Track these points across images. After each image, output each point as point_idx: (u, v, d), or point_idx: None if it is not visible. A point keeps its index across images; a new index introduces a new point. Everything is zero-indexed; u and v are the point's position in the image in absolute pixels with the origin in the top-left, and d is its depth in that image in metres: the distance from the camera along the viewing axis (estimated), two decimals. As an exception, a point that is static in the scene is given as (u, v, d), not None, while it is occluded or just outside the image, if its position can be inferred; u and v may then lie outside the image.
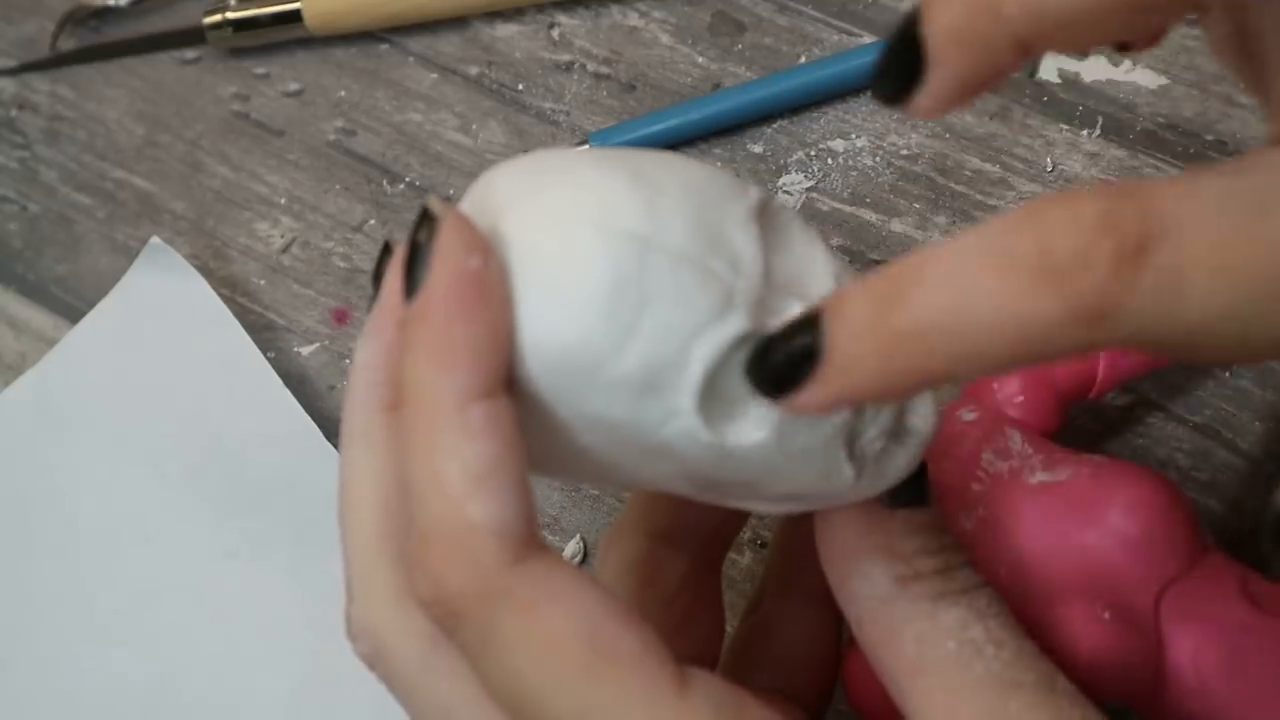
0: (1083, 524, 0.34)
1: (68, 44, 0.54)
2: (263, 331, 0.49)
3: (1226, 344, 0.22)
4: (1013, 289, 0.22)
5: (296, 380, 0.48)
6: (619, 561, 0.34)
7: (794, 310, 0.26)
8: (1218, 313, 0.21)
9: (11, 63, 0.54)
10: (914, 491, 0.29)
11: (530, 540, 0.26)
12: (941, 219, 0.47)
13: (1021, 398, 0.38)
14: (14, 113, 0.54)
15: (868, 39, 0.50)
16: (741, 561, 0.44)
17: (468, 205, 0.28)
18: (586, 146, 0.49)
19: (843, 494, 0.28)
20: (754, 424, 0.26)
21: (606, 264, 0.25)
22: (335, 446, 0.46)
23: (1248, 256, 0.21)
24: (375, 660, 0.28)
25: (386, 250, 0.29)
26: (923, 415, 0.29)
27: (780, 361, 0.25)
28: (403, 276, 0.27)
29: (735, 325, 0.26)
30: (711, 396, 0.26)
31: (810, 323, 0.25)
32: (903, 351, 0.23)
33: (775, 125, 0.49)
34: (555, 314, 0.26)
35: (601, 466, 0.28)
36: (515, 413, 0.26)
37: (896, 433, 0.28)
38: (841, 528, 0.29)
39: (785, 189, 0.48)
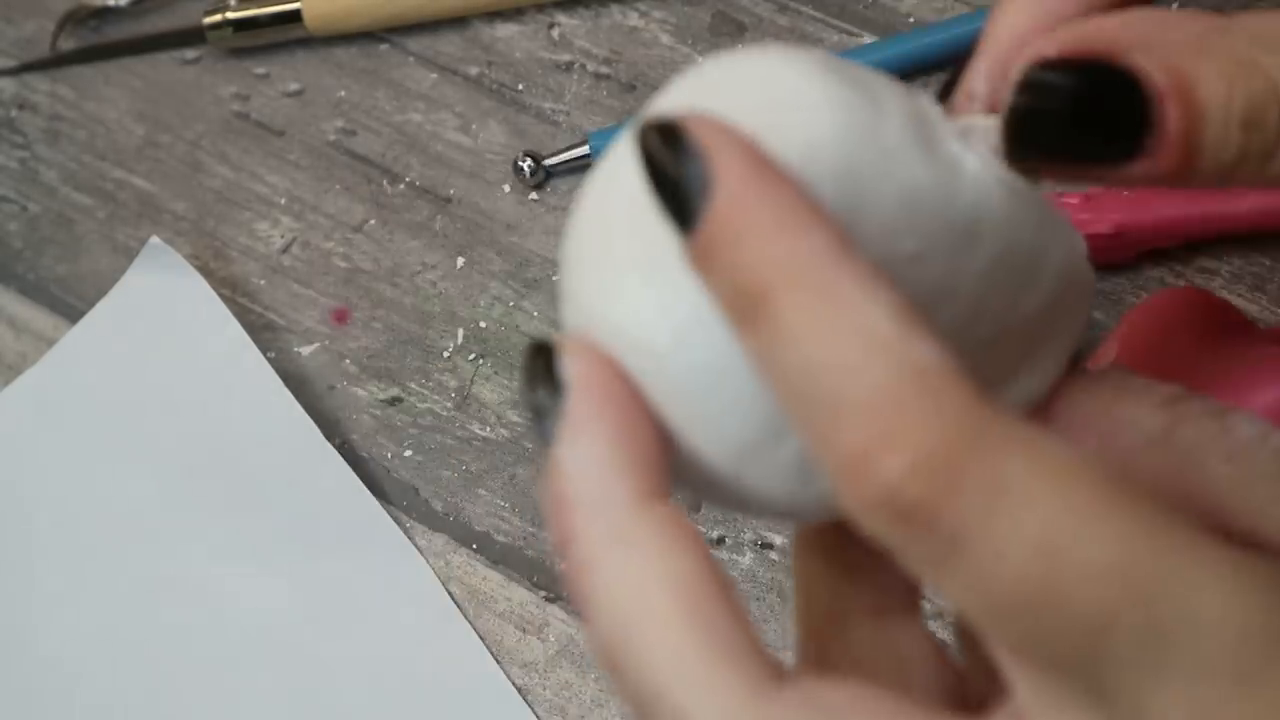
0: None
1: (68, 44, 0.54)
2: (263, 331, 0.49)
3: None
4: None
5: (296, 380, 0.48)
6: None
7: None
8: None
9: (11, 63, 0.54)
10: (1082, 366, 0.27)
11: (984, 390, 0.21)
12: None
13: None
14: (14, 113, 0.54)
15: (868, 39, 0.50)
16: (742, 562, 0.44)
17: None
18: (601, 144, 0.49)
19: (1079, 268, 0.26)
20: (999, 170, 0.25)
21: (806, 64, 0.24)
22: (335, 447, 0.46)
23: None
24: None
25: (542, 350, 0.24)
26: None
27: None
28: (661, 197, 0.22)
29: (920, 93, 0.25)
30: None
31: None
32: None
33: (775, 125, 0.49)
34: (823, 109, 0.23)
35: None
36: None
37: None
38: (1074, 396, 0.26)
39: (785, 189, 0.48)
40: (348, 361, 0.48)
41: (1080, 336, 0.27)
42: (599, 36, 0.51)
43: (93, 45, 0.54)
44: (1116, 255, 0.45)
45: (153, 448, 0.47)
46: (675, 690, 0.21)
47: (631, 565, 0.22)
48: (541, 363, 0.24)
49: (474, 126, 0.51)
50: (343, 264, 0.50)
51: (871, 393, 0.20)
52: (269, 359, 0.48)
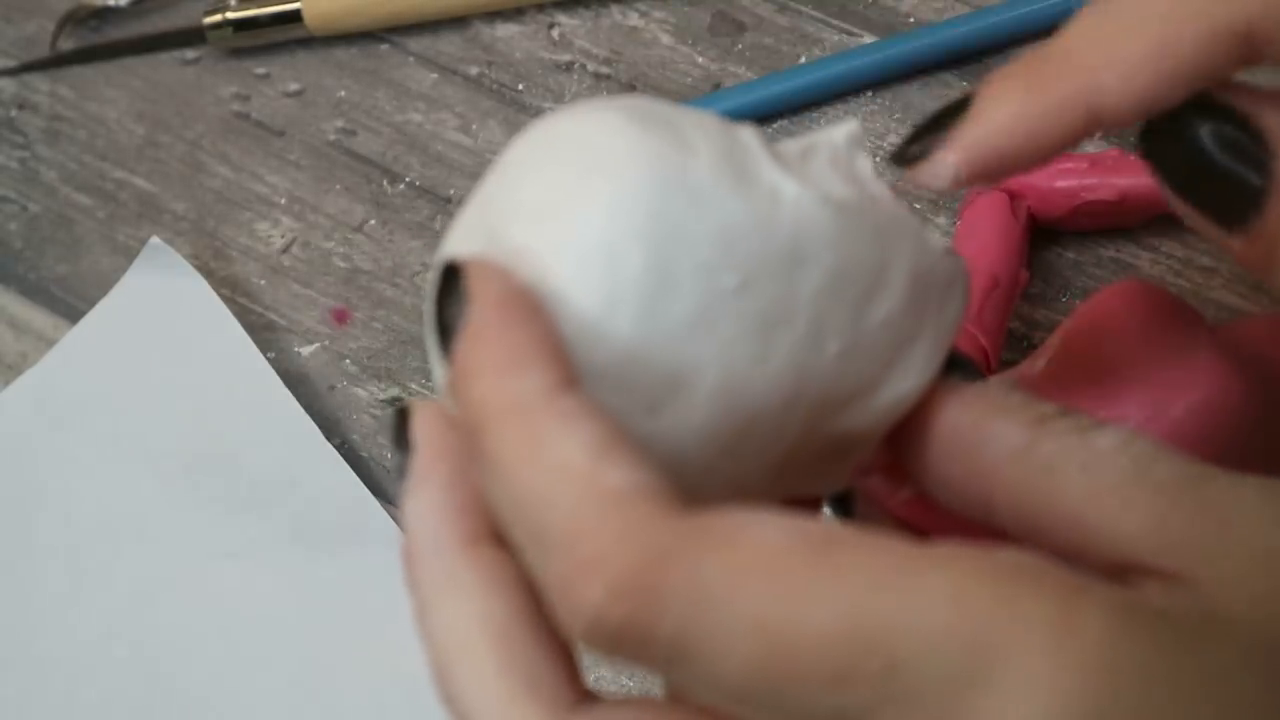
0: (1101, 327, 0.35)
1: (68, 44, 0.54)
2: (263, 331, 0.49)
3: None
4: None
5: (296, 380, 0.48)
6: None
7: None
8: None
9: (11, 63, 0.54)
10: (968, 366, 0.28)
11: (683, 499, 0.22)
12: (942, 219, 0.47)
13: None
14: (14, 113, 0.54)
15: (868, 39, 0.50)
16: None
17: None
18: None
19: (936, 266, 0.27)
20: (834, 187, 0.26)
21: (615, 121, 0.25)
22: (335, 447, 0.46)
23: None
24: None
25: (401, 414, 0.26)
26: None
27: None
28: (437, 336, 0.25)
29: (740, 126, 0.26)
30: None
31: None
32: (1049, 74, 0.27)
33: (775, 125, 0.49)
34: (627, 169, 0.25)
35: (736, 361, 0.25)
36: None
37: None
38: (947, 411, 0.27)
39: (785, 189, 0.48)
40: (348, 361, 0.48)
41: (954, 332, 0.28)
42: (599, 36, 0.51)
43: (93, 45, 0.54)
44: (1124, 220, 0.45)
45: (153, 448, 0.47)
46: (476, 712, 0.24)
47: (454, 605, 0.24)
48: (401, 426, 0.26)
49: (474, 126, 0.51)
50: (343, 264, 0.50)
51: (565, 523, 0.22)
52: (269, 359, 0.48)
